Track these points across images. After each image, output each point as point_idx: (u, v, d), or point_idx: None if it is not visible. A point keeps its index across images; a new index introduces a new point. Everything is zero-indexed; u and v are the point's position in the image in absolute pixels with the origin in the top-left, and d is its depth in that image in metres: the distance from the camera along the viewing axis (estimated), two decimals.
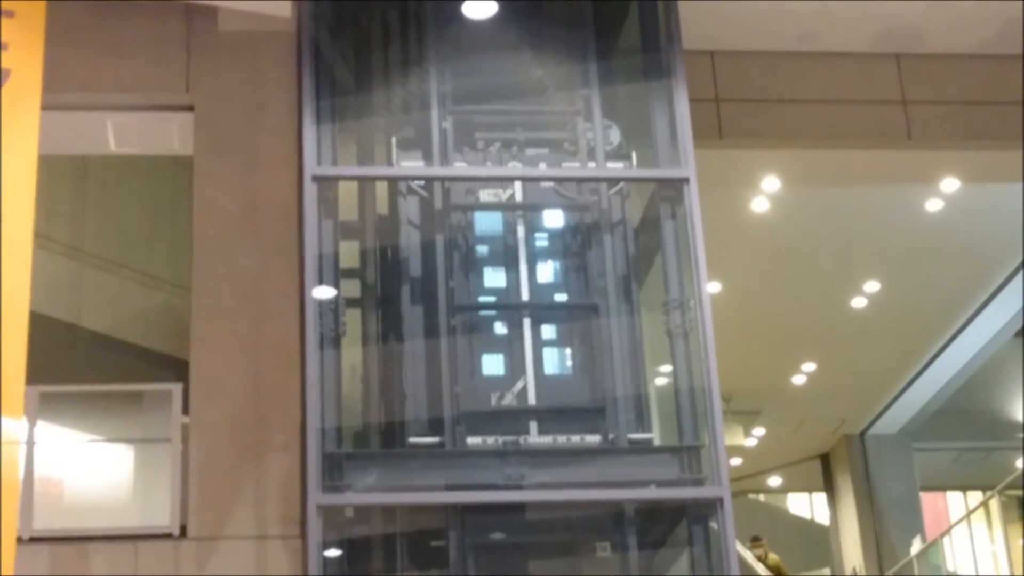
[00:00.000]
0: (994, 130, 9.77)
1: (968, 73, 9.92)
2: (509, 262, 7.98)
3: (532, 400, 7.72)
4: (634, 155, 8.26)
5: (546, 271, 8.07)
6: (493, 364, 7.81)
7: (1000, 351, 17.18)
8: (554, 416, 7.69)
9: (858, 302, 15.50)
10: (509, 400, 7.69)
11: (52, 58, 6.57)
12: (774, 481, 22.95)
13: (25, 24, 6.35)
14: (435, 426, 7.56)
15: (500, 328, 7.92)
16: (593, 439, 7.64)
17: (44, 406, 8.09)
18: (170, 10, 8.78)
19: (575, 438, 7.62)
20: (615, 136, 8.24)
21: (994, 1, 9.29)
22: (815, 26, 9.57)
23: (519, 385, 7.71)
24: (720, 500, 7.33)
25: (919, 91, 9.87)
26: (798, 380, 18.06)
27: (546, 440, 7.60)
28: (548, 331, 7.97)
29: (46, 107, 6.26)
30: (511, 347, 7.85)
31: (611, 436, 7.61)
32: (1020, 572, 15.09)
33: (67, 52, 8.46)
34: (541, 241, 8.12)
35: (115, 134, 8.95)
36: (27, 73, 6.30)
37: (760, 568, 14.08)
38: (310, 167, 7.66)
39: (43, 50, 6.35)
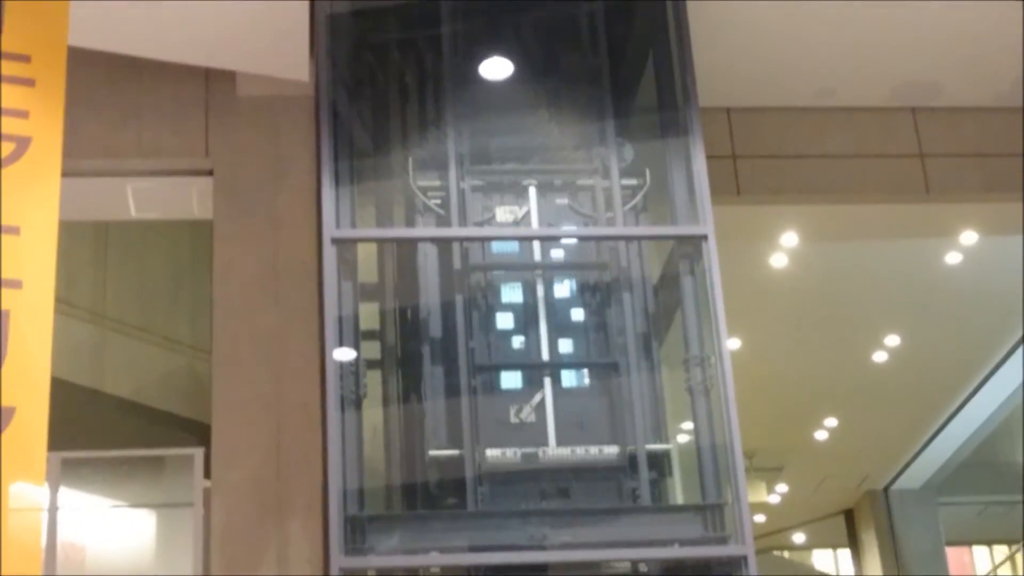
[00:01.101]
0: (1011, 182, 9.77)
1: (985, 126, 9.93)
2: (529, 321, 7.98)
3: (552, 455, 7.70)
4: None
5: (566, 330, 8.05)
6: (514, 424, 7.79)
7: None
8: (576, 475, 7.67)
9: (879, 356, 15.46)
10: (530, 459, 7.67)
11: (72, 123, 6.59)
12: (798, 538, 22.83)
13: (46, 92, 6.39)
14: (457, 487, 7.54)
15: (521, 388, 7.90)
16: (615, 498, 7.62)
17: (66, 472, 8.11)
18: (189, 75, 8.85)
19: (597, 497, 7.60)
20: (628, 153, 8.26)
21: (1009, 55, 9.31)
22: (832, 82, 9.61)
23: (541, 447, 7.69)
24: (744, 558, 7.28)
25: (936, 144, 9.88)
26: (820, 436, 17.98)
27: (568, 500, 7.57)
28: (568, 389, 7.95)
29: (67, 173, 6.29)
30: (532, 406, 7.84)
31: (634, 494, 7.58)
32: None
33: (87, 117, 8.53)
34: (560, 300, 8.11)
35: (135, 199, 9.00)
36: (48, 140, 6.32)
37: None
38: (329, 229, 7.68)
39: (63, 117, 6.38)
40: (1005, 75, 9.59)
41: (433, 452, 7.66)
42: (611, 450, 7.73)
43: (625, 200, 8.18)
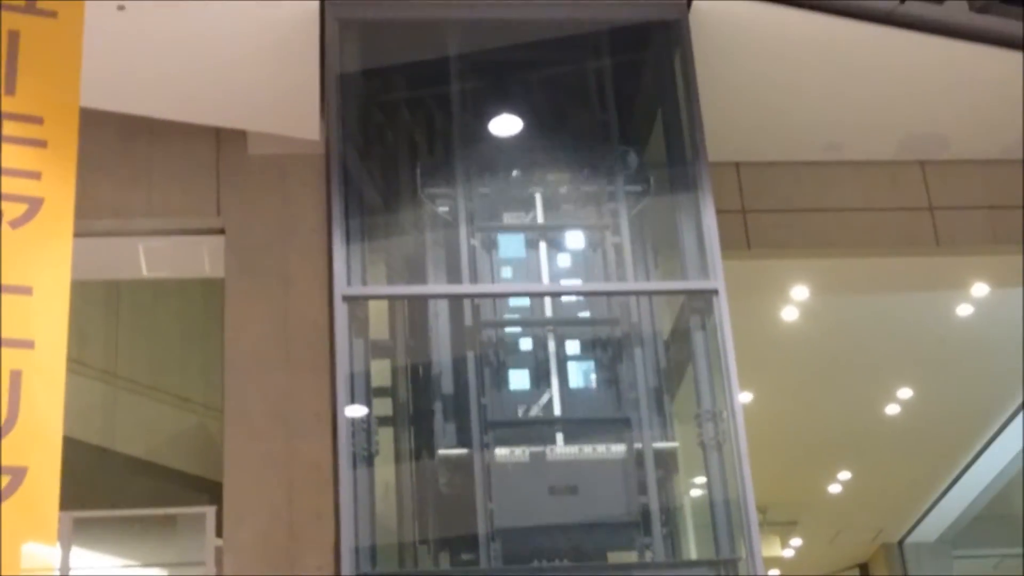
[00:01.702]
0: (1020, 234, 9.78)
1: (993, 178, 9.95)
2: (540, 376, 7.98)
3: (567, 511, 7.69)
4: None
5: (577, 385, 8.05)
6: (527, 481, 7.78)
7: None
8: (589, 531, 7.64)
9: (892, 409, 15.41)
10: (544, 515, 7.65)
11: (84, 184, 6.64)
12: None
13: (58, 153, 6.43)
14: (470, 544, 7.52)
15: (533, 444, 7.89)
16: (630, 554, 7.59)
17: (78, 532, 8.11)
18: (200, 134, 8.90)
19: (611, 555, 7.57)
20: (633, 160, 8.30)
21: (1014, 107, 9.34)
22: (840, 136, 9.64)
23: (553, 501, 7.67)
24: None
25: (945, 197, 9.89)
26: (834, 489, 17.91)
27: (582, 557, 7.55)
28: (581, 445, 7.95)
29: (78, 234, 6.32)
30: (544, 463, 7.82)
31: (647, 549, 7.56)
32: None
33: (99, 177, 8.58)
34: (572, 355, 8.11)
35: (147, 259, 9.04)
36: (60, 201, 6.36)
37: None
38: (340, 287, 7.69)
39: (75, 177, 6.42)
40: (1011, 127, 9.61)
41: (445, 510, 7.65)
42: (618, 448, 7.71)
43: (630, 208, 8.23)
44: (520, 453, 7.75)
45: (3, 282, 6.07)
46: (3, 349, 5.93)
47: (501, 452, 7.69)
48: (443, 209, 8.28)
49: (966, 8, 8.64)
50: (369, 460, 7.60)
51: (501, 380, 7.94)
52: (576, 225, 8.35)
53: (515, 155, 8.46)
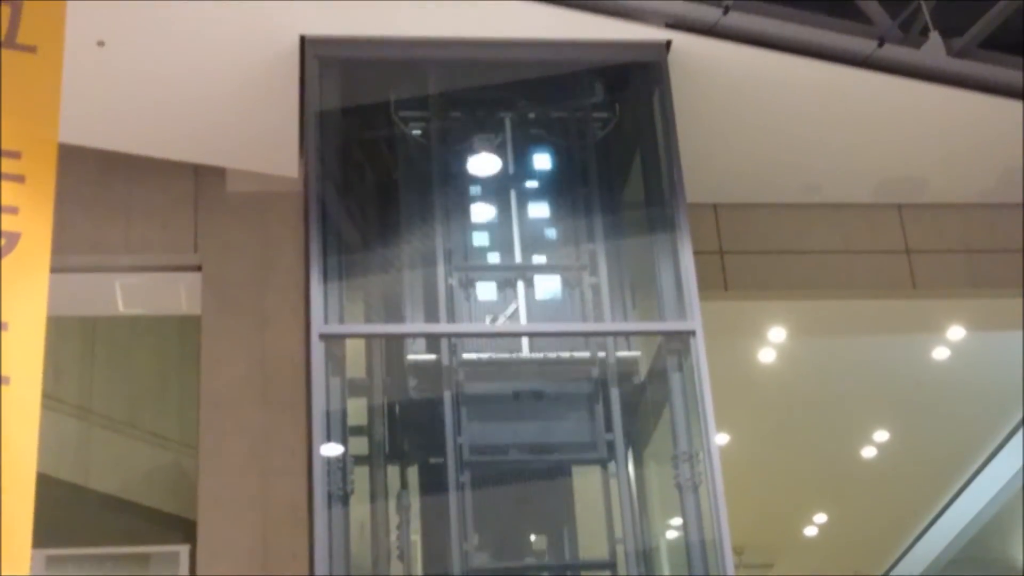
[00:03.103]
0: (997, 278, 9.82)
1: (970, 221, 9.99)
2: (517, 415, 7.96)
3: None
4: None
5: (553, 425, 8.04)
6: (501, 519, 7.77)
7: (1012, 499, 17.03)
8: (562, 570, 7.62)
9: (868, 452, 15.42)
10: (520, 557, 7.63)
11: (61, 219, 6.63)
12: None
13: (36, 188, 6.42)
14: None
15: (508, 480, 7.88)
16: None
17: (51, 569, 8.05)
18: (179, 170, 8.90)
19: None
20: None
21: (993, 151, 9.38)
22: (817, 178, 9.67)
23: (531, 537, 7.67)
24: None
25: (922, 240, 9.92)
26: (810, 531, 17.89)
27: None
28: (558, 484, 7.94)
29: (55, 269, 6.30)
30: (519, 499, 7.81)
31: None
32: None
33: (77, 213, 8.57)
34: (548, 394, 8.10)
35: (123, 295, 9.01)
36: (37, 236, 6.34)
37: None
38: (317, 325, 7.67)
39: (53, 213, 6.40)
40: (990, 171, 9.66)
41: (420, 548, 7.63)
42: (597, 548, 7.71)
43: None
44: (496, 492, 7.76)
45: None
46: None
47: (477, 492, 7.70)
48: (421, 247, 8.27)
49: (944, 52, 8.68)
50: (344, 499, 7.56)
51: (476, 419, 7.92)
52: (554, 267, 8.34)
53: (493, 193, 8.47)
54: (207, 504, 8.10)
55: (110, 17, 7.76)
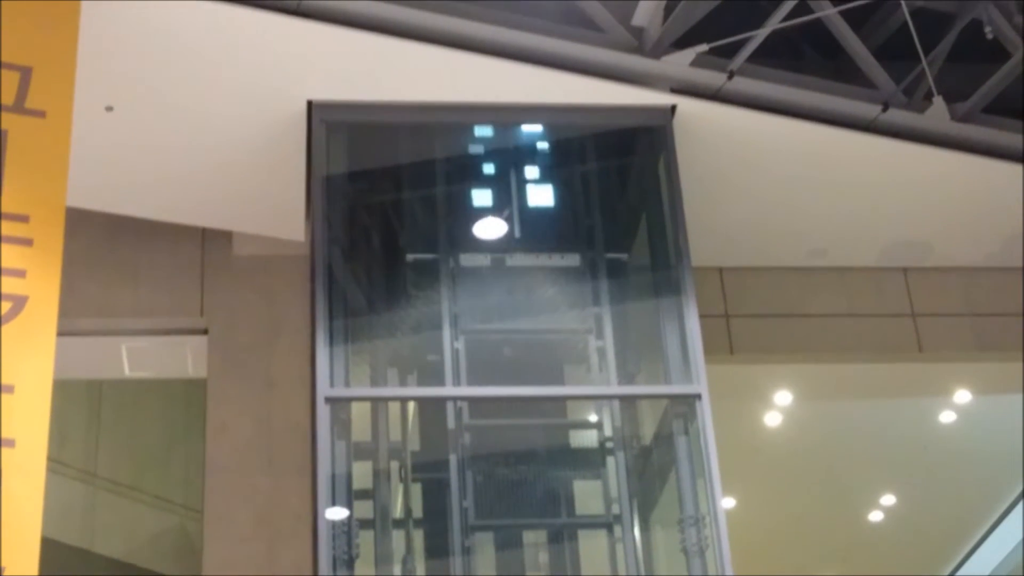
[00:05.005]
0: (1002, 342, 9.81)
1: (975, 286, 9.99)
2: (524, 481, 7.95)
3: None
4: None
5: (560, 488, 8.03)
6: None
7: (1019, 565, 16.94)
8: None
9: (875, 516, 15.35)
10: None
11: (69, 282, 6.65)
12: None
13: (43, 251, 6.44)
14: None
15: (515, 546, 7.86)
16: None
17: None
18: (186, 234, 8.93)
19: None
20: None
21: (998, 215, 9.40)
22: (822, 242, 9.68)
23: None
24: None
25: (928, 304, 9.92)
26: None
27: None
28: (564, 548, 7.91)
29: (62, 332, 6.32)
30: (525, 564, 7.79)
31: None
32: None
33: (84, 276, 8.59)
34: (555, 458, 8.09)
35: (129, 358, 9.02)
36: (44, 299, 6.36)
37: None
38: (323, 389, 7.67)
39: (60, 276, 6.42)
40: (995, 235, 9.67)
41: None
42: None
43: None
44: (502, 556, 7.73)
45: None
46: None
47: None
48: (427, 311, 8.28)
49: (948, 117, 8.72)
50: (350, 564, 7.54)
51: (483, 482, 7.90)
52: (560, 330, 8.35)
53: (500, 257, 8.48)
54: (213, 569, 8.07)
55: (119, 82, 7.81)
